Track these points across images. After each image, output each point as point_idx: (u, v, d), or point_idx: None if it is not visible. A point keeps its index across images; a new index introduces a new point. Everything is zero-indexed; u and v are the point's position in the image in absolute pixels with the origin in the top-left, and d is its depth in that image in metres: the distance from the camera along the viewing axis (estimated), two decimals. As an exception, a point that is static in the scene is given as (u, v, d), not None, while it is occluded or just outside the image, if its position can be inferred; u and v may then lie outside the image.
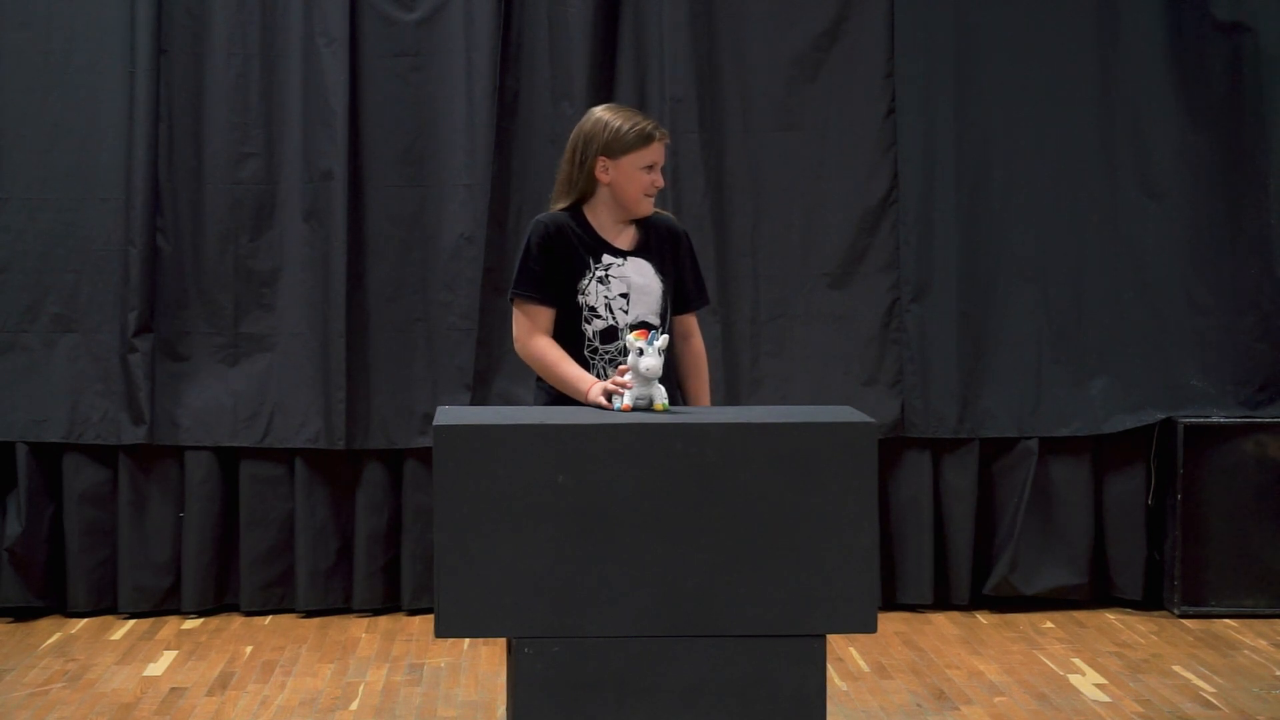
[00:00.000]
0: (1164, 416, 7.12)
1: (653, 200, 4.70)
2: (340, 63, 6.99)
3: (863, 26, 7.05)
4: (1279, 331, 7.16)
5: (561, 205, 4.69)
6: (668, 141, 4.74)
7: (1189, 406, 7.14)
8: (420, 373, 7.11)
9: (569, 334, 4.64)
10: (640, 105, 7.10)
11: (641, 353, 4.18)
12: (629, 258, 4.67)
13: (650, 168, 4.64)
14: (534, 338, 4.62)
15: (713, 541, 3.93)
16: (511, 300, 4.66)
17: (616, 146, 4.63)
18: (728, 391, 7.00)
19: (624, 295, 4.65)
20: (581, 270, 4.63)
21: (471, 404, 6.98)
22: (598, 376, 4.56)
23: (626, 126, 4.63)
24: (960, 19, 7.07)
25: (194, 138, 7.05)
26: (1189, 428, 7.01)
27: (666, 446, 3.93)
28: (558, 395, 4.61)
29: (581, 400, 4.43)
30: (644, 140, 4.62)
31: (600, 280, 4.63)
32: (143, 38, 6.96)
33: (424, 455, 6.98)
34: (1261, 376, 7.17)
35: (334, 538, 7.14)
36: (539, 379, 4.71)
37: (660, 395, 4.20)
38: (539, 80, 7.10)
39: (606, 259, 4.65)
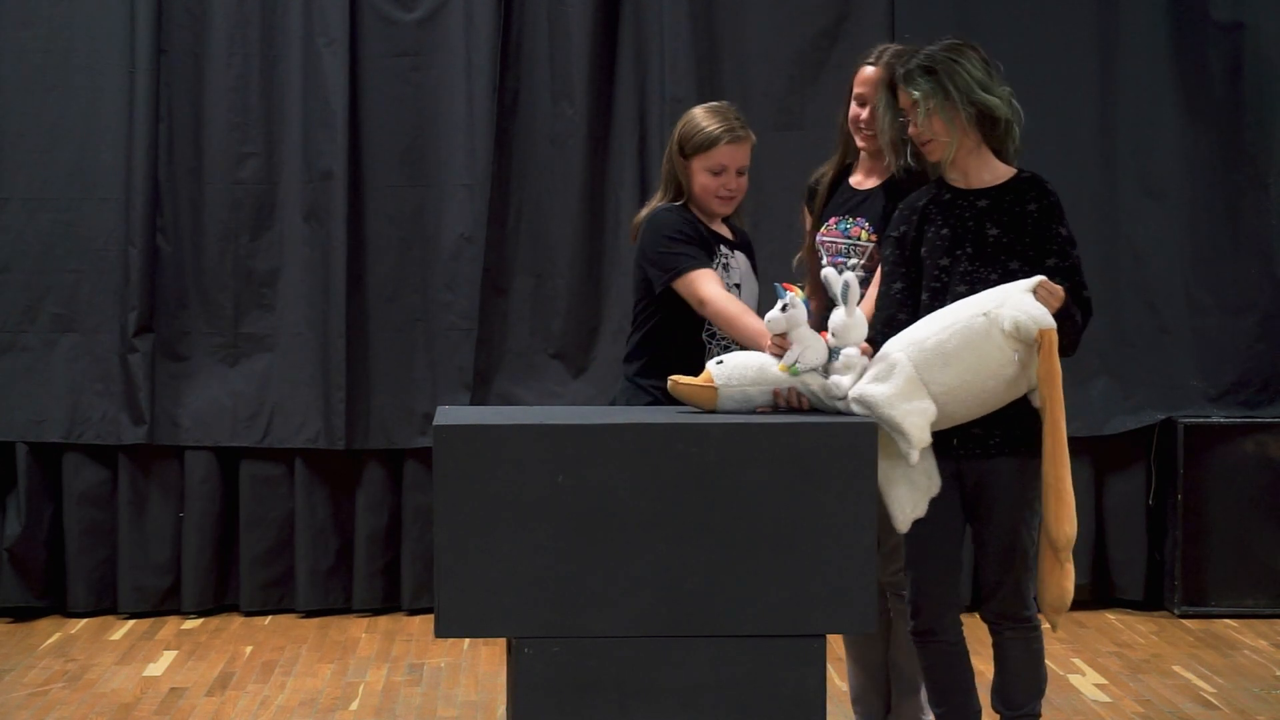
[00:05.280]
0: (1164, 417, 7.12)
1: (727, 202, 4.72)
2: (340, 63, 6.99)
3: (863, 26, 7.04)
4: (1279, 332, 7.16)
5: (666, 199, 4.75)
6: (748, 143, 4.71)
7: (1189, 406, 7.14)
8: (420, 373, 7.11)
9: (689, 315, 4.65)
10: (640, 105, 7.10)
11: (785, 308, 4.16)
12: (735, 250, 4.76)
13: (718, 171, 4.67)
14: (720, 292, 4.57)
15: (713, 541, 3.93)
16: (679, 276, 4.60)
17: (687, 147, 4.71)
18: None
19: (737, 285, 4.72)
20: (710, 255, 4.67)
21: (471, 404, 6.98)
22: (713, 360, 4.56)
23: (700, 127, 4.69)
24: (960, 19, 7.07)
25: (194, 138, 7.05)
26: (1189, 428, 7.01)
27: (666, 446, 3.93)
28: (661, 395, 4.58)
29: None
30: (707, 143, 4.66)
31: (724, 268, 4.69)
32: (143, 38, 6.96)
33: (424, 455, 6.98)
34: (1261, 376, 7.18)
35: (334, 538, 7.14)
36: (636, 375, 4.72)
37: (791, 357, 4.15)
38: (539, 80, 7.10)
39: (723, 249, 4.72)
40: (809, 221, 4.97)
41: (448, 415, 4.11)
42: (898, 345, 4.18)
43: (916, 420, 4.09)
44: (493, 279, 7.08)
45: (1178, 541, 7.02)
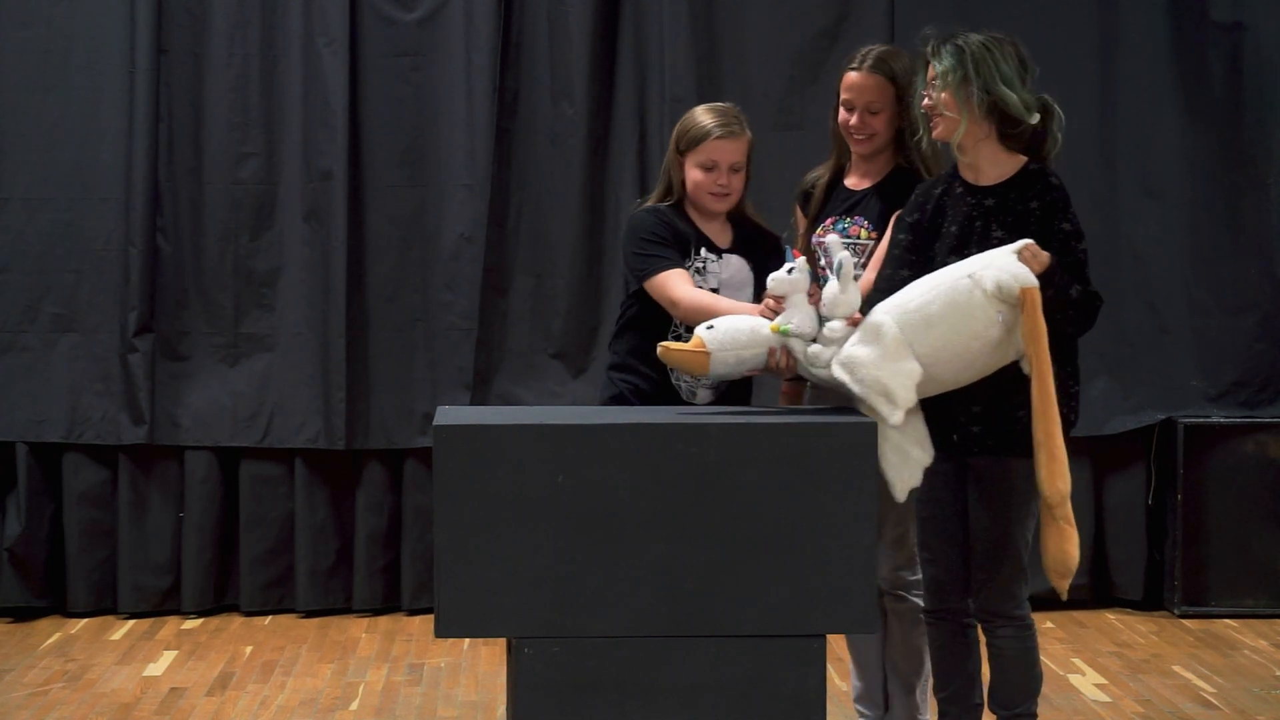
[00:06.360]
0: (1164, 417, 7.12)
1: (722, 199, 4.70)
2: (340, 63, 6.98)
3: (863, 26, 7.04)
4: (1279, 331, 7.16)
5: (659, 198, 4.76)
6: (743, 140, 4.70)
7: (1189, 406, 7.14)
8: (420, 373, 7.11)
9: (657, 317, 4.67)
10: (640, 105, 7.10)
11: (790, 271, 4.19)
12: (725, 255, 4.72)
13: (710, 167, 4.66)
14: (689, 291, 4.59)
15: (713, 541, 3.93)
16: (650, 277, 4.64)
17: (682, 143, 4.72)
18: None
19: (714, 290, 4.68)
20: (683, 259, 4.66)
21: (471, 404, 6.98)
22: None
23: (694, 123, 4.69)
24: (960, 19, 7.00)
25: (194, 138, 7.05)
26: (1189, 428, 7.01)
27: (666, 446, 3.93)
28: (640, 387, 4.63)
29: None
30: (699, 138, 4.66)
31: (697, 271, 4.67)
32: (143, 38, 6.96)
33: (424, 455, 6.98)
34: (1261, 376, 7.17)
35: (334, 538, 7.14)
36: (609, 368, 4.75)
37: (783, 318, 4.18)
38: (539, 80, 7.10)
39: (704, 253, 4.70)
40: (802, 224, 4.97)
41: (448, 415, 4.11)
42: (883, 309, 4.20)
43: (903, 381, 4.12)
44: (493, 279, 7.08)
45: (1178, 541, 7.02)
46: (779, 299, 4.21)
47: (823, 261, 4.85)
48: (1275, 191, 7.14)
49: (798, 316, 4.18)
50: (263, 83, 7.05)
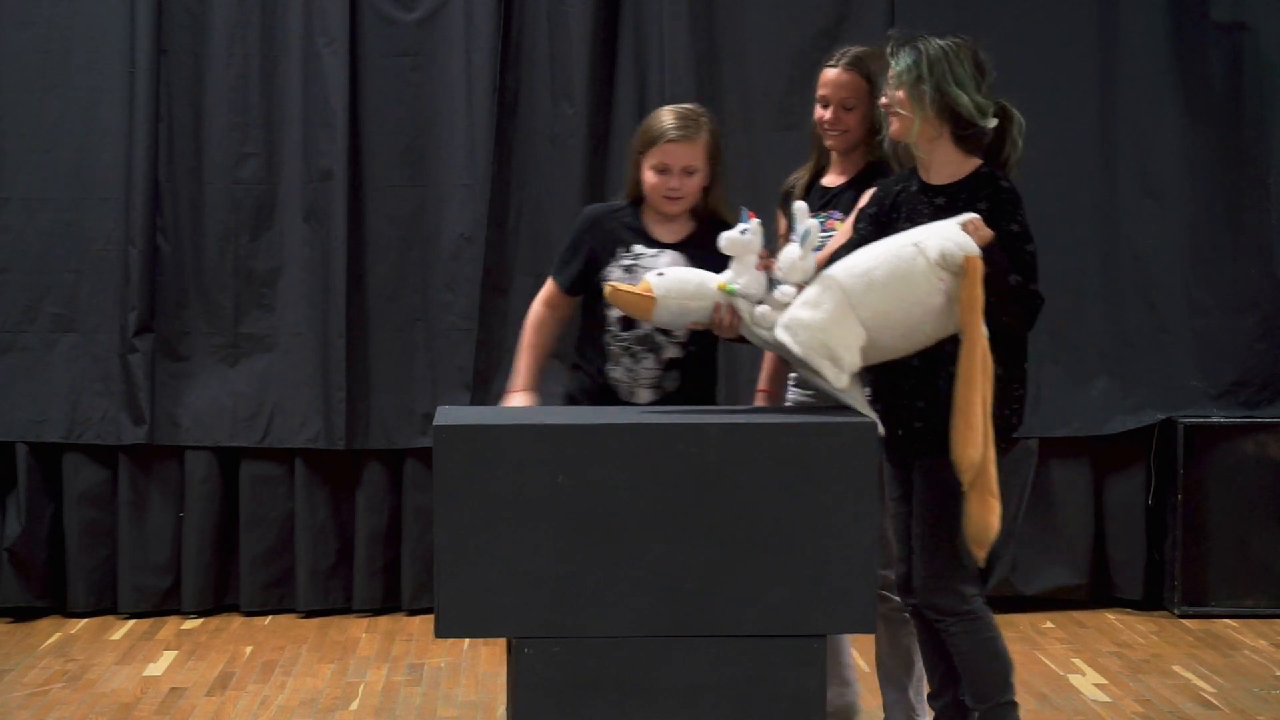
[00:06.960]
0: (1164, 417, 7.12)
1: (674, 202, 4.68)
2: (340, 63, 6.99)
3: (863, 26, 7.04)
4: (1279, 331, 7.16)
5: (625, 195, 4.79)
6: (697, 144, 4.66)
7: (1189, 406, 7.14)
8: (420, 373, 7.11)
9: (594, 317, 4.72)
10: (640, 105, 7.09)
11: (743, 232, 4.22)
12: (666, 250, 4.69)
13: (663, 170, 4.65)
14: (533, 311, 4.81)
15: (713, 541, 3.93)
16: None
17: (639, 143, 4.73)
18: (728, 391, 6.98)
19: None
20: (608, 257, 4.68)
21: (471, 404, 6.98)
22: (615, 363, 4.64)
23: (652, 124, 4.70)
24: (960, 19, 7.06)
25: (194, 138, 7.05)
26: (1189, 428, 7.01)
27: (666, 446, 3.93)
28: (587, 386, 4.69)
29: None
30: (653, 140, 4.67)
31: (625, 269, 4.67)
32: (143, 38, 6.96)
33: (424, 455, 6.98)
34: (1261, 376, 7.17)
35: (334, 538, 7.14)
36: (572, 365, 4.82)
37: (729, 276, 4.21)
38: (539, 80, 7.11)
39: (639, 249, 4.69)
40: (783, 226, 4.98)
41: (448, 415, 4.11)
42: (830, 273, 4.22)
43: (848, 344, 4.15)
44: (493, 279, 7.08)
45: (1178, 541, 7.02)
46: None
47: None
48: (1275, 191, 7.14)
49: (745, 277, 4.21)
50: (263, 83, 7.05)
